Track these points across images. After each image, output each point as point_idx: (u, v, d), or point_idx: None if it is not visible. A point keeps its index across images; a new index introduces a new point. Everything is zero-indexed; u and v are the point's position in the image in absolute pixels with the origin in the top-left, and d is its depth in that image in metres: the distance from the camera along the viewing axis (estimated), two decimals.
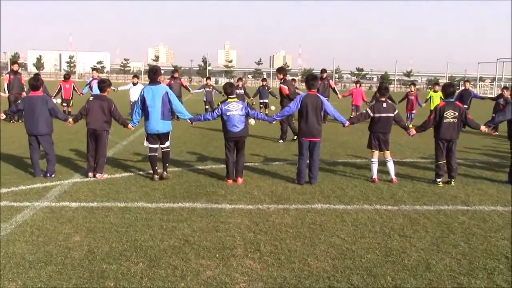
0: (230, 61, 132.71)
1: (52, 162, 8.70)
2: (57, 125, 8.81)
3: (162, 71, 10.07)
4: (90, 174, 8.59)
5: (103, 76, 27.06)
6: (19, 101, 9.77)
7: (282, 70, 13.70)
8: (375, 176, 8.89)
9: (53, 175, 8.63)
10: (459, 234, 6.13)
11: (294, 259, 5.18)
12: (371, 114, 8.90)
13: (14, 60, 58.40)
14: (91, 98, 8.87)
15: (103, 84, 8.94)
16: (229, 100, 8.58)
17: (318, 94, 8.73)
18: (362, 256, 5.30)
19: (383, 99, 9.01)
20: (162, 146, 8.72)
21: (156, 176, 8.54)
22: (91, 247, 5.36)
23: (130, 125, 8.96)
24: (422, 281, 4.71)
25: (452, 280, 4.75)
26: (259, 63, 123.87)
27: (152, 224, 6.20)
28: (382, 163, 9.08)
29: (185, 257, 5.14)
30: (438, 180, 8.85)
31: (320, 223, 6.44)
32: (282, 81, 13.45)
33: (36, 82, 8.86)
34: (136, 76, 20.14)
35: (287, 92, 13.21)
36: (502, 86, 20.94)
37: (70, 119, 8.98)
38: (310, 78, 8.74)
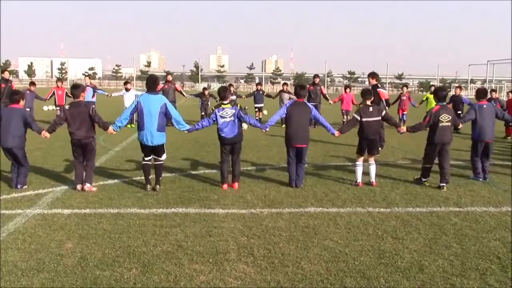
0: (222, 66, 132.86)
1: (23, 173, 8.42)
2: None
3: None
4: (79, 186, 8.19)
5: (96, 82, 26.91)
6: None
7: (375, 75, 12.94)
8: (359, 180, 8.86)
9: (24, 186, 8.35)
10: (452, 236, 6.17)
11: (287, 262, 5.19)
12: (359, 119, 8.85)
13: (5, 67, 57.88)
14: (67, 107, 8.45)
15: (77, 89, 8.34)
16: (222, 106, 8.52)
17: (305, 102, 9.01)
18: (355, 258, 5.32)
19: (368, 102, 8.95)
20: (157, 158, 8.48)
21: (149, 186, 8.31)
22: (83, 254, 5.34)
23: (111, 129, 8.42)
24: (415, 282, 4.74)
25: (445, 281, 4.78)
26: (251, 67, 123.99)
27: (145, 230, 6.18)
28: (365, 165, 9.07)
29: (178, 263, 5.13)
30: (424, 179, 9.00)
31: (313, 226, 6.46)
32: (378, 86, 12.73)
33: (14, 95, 8.60)
34: (128, 82, 20.20)
35: (387, 97, 13.03)
36: (490, 89, 21.17)
37: (44, 131, 8.42)
38: (299, 88, 9.07)
